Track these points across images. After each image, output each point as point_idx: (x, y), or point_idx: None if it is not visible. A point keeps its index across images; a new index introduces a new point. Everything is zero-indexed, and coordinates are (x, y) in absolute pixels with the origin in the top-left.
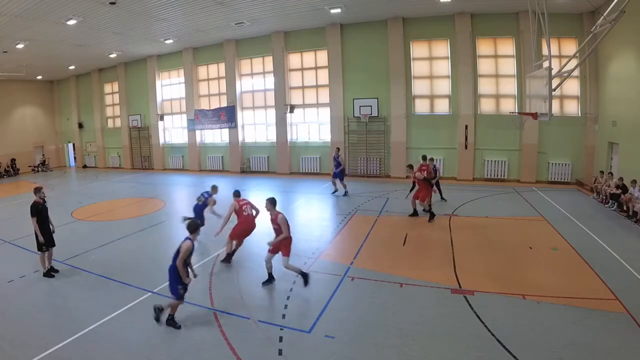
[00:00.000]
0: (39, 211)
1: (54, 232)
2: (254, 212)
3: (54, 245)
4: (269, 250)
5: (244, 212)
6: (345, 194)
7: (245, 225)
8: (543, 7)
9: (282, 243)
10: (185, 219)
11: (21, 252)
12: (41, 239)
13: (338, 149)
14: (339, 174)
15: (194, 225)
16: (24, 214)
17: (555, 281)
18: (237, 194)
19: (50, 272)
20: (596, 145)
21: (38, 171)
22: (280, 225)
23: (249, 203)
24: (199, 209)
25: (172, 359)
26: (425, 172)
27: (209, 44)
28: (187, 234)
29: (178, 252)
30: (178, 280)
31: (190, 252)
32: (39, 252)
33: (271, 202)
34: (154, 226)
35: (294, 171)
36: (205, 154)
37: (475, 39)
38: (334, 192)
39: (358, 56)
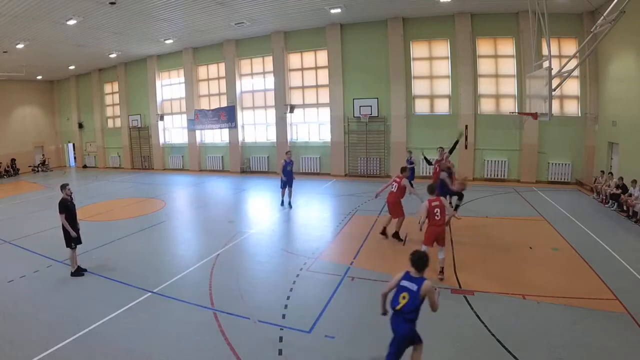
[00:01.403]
0: (67, 207)
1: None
2: (395, 188)
3: (80, 243)
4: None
5: (390, 188)
6: (290, 205)
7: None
8: (543, 7)
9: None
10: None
11: (21, 252)
12: (73, 234)
13: (289, 151)
14: (291, 179)
15: (426, 260)
16: (24, 214)
17: (555, 281)
18: (403, 169)
19: (79, 271)
20: (596, 145)
21: (38, 171)
22: None
23: (395, 181)
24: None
25: (172, 359)
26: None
27: (209, 44)
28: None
29: (417, 302)
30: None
31: None
32: (69, 249)
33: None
34: (154, 226)
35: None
36: (205, 154)
37: (475, 39)
38: (286, 204)
39: (358, 56)
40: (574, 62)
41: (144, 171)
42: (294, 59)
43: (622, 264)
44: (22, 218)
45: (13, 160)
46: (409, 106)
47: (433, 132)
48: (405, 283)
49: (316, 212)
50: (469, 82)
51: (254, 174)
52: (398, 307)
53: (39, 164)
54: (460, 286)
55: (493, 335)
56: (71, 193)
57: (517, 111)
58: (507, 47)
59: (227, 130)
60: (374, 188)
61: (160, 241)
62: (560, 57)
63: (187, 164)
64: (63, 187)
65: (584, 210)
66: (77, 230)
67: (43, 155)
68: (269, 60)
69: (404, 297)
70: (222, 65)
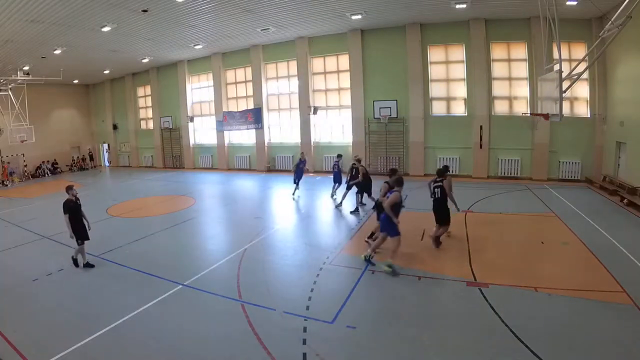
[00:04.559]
0: (71, 209)
1: (89, 228)
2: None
3: (87, 239)
4: None
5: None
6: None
7: None
8: (554, 13)
9: None
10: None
11: (59, 247)
12: (71, 234)
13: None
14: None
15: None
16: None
17: (566, 274)
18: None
19: (76, 262)
20: (604, 144)
21: (80, 169)
22: None
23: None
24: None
25: (202, 349)
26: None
27: (236, 49)
28: None
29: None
30: (392, 223)
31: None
32: (77, 245)
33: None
34: (185, 222)
35: (317, 169)
36: (233, 154)
37: (489, 44)
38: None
39: (378, 60)
40: (583, 65)
41: (175, 170)
42: (317, 63)
43: (630, 257)
44: (61, 214)
45: (55, 161)
46: (427, 108)
47: (449, 132)
48: None
49: (335, 209)
50: (483, 84)
51: (279, 172)
52: None
53: (78, 162)
54: (475, 279)
55: (507, 325)
56: (76, 194)
57: (529, 112)
58: (519, 51)
59: (254, 131)
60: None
61: (191, 236)
62: (570, 60)
63: (215, 163)
64: (69, 188)
65: (593, 207)
66: (82, 228)
67: (83, 155)
68: (293, 65)
69: None
70: (249, 69)
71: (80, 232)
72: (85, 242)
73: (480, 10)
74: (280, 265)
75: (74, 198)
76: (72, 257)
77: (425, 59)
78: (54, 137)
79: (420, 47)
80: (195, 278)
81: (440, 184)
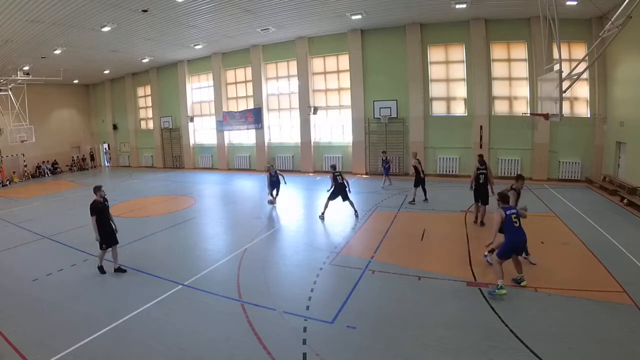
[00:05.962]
0: (99, 210)
1: (116, 230)
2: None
3: (116, 243)
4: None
5: None
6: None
7: None
8: (554, 13)
9: None
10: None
11: (60, 247)
12: (97, 238)
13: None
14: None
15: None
16: (63, 211)
17: (566, 274)
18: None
19: (119, 269)
20: (605, 144)
21: (80, 169)
22: None
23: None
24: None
25: (203, 348)
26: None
27: (236, 49)
28: None
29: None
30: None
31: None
32: (100, 250)
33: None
34: (185, 222)
35: (317, 169)
36: (233, 154)
37: (489, 44)
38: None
39: (378, 60)
40: (583, 65)
41: (175, 170)
42: (317, 63)
43: (630, 257)
44: (60, 214)
45: (55, 161)
46: (427, 108)
47: (449, 132)
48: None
49: (338, 209)
50: (483, 84)
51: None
52: None
53: (78, 162)
54: (475, 279)
55: (507, 325)
56: (104, 195)
57: (529, 112)
58: (519, 51)
59: (254, 131)
60: (393, 186)
61: (191, 236)
62: (570, 60)
63: (215, 163)
64: (97, 189)
65: (593, 207)
66: (110, 231)
67: (83, 155)
68: (293, 65)
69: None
70: (249, 69)
71: (106, 236)
72: (115, 246)
73: (480, 10)
74: (280, 265)
75: (101, 199)
76: (98, 267)
77: (425, 59)
78: (54, 137)
79: (420, 47)
80: (195, 278)
81: (484, 171)
